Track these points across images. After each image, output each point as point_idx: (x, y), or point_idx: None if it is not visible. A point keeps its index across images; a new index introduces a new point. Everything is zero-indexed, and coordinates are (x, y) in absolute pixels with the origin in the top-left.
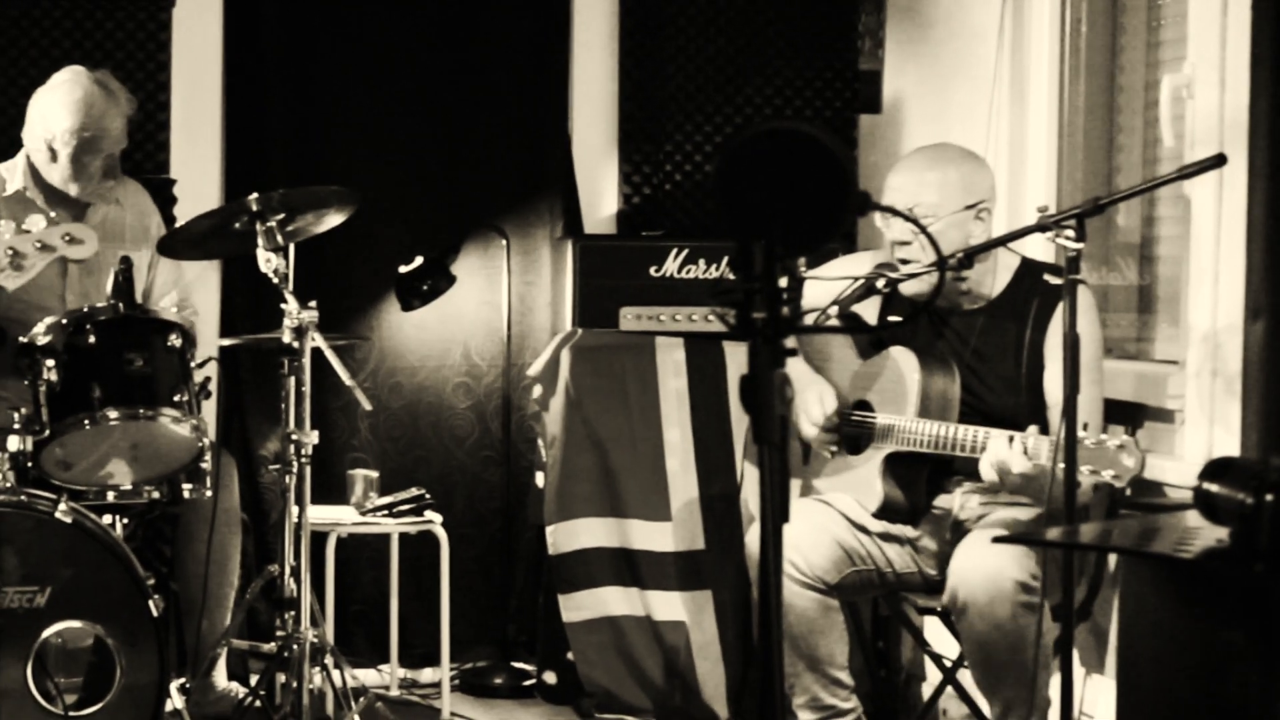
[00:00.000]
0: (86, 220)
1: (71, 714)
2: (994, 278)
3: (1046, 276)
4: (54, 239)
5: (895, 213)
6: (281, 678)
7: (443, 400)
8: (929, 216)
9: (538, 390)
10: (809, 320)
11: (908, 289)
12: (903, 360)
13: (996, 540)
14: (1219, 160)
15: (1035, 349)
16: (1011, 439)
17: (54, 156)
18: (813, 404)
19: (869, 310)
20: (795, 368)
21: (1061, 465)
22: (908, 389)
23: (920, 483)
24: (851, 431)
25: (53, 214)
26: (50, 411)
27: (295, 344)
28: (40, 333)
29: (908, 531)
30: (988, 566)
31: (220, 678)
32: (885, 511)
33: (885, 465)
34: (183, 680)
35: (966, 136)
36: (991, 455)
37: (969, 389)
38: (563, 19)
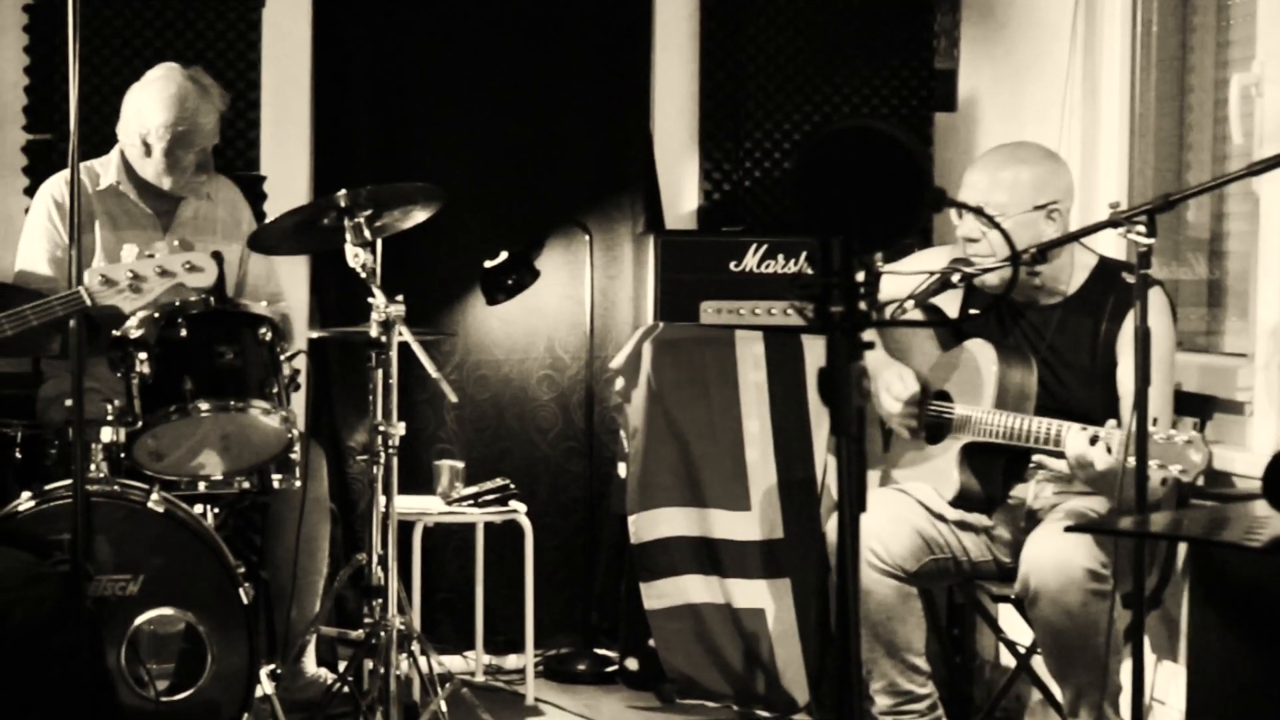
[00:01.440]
0: (179, 215)
1: (163, 699)
2: (1070, 274)
3: (1123, 275)
4: (174, 265)
5: (968, 209)
6: (369, 664)
7: (527, 392)
8: (998, 215)
9: (620, 383)
10: (886, 314)
11: (982, 283)
12: (981, 353)
13: (1069, 529)
14: None
15: (1109, 344)
16: (1095, 439)
17: (148, 151)
18: (894, 380)
19: (950, 304)
20: (874, 354)
21: (1130, 458)
22: (985, 381)
23: (996, 473)
24: (930, 420)
25: (176, 241)
26: (143, 403)
27: (383, 337)
28: (133, 326)
29: (983, 520)
30: (1059, 555)
31: (309, 664)
32: (961, 501)
33: (962, 455)
34: (272, 666)
35: (1040, 134)
36: (1072, 450)
37: (1045, 382)
38: (644, 19)
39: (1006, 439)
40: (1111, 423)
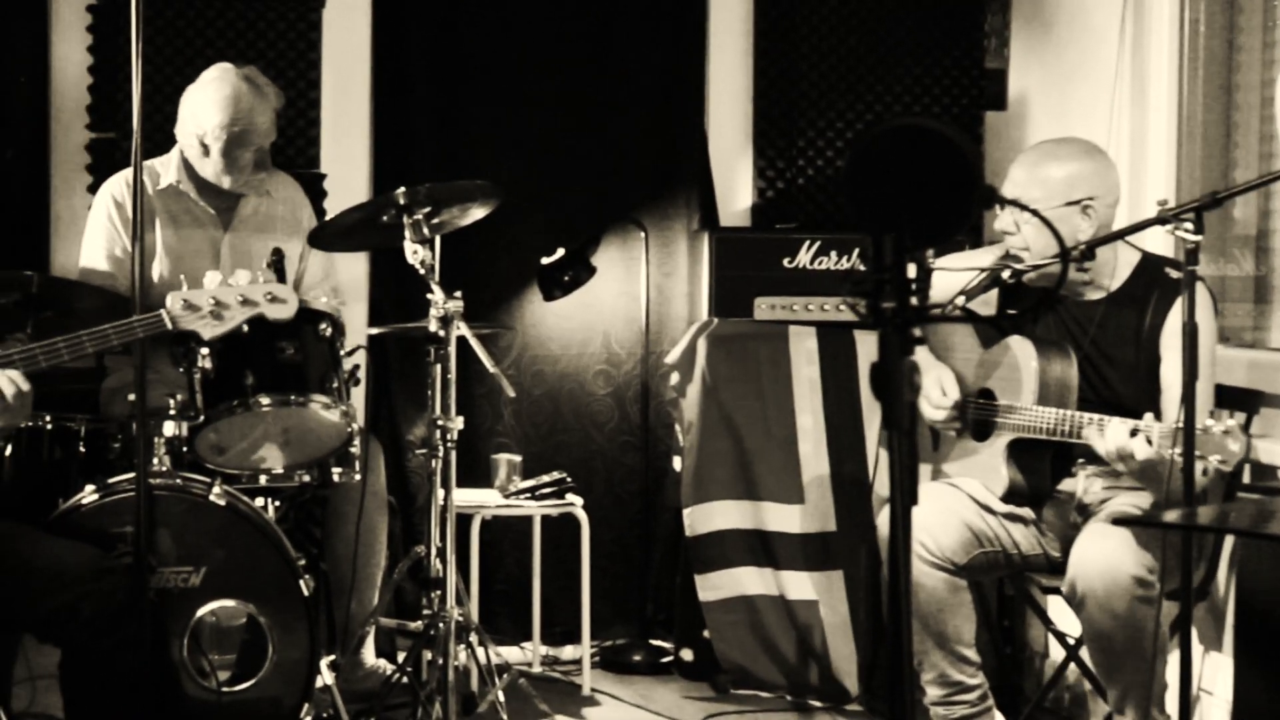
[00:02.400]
0: (238, 211)
1: (225, 690)
2: (1114, 270)
3: (1167, 270)
4: (256, 295)
5: (1018, 206)
6: (428, 655)
7: (583, 387)
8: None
9: (675, 377)
10: (937, 310)
11: (1032, 279)
12: (1021, 349)
13: (1116, 522)
14: None
15: (1153, 338)
16: (1134, 431)
17: (205, 151)
18: (932, 387)
19: (988, 302)
20: (918, 354)
21: (1171, 450)
22: (1026, 377)
23: (1044, 467)
24: (975, 418)
25: (260, 274)
26: (205, 398)
27: (441, 333)
28: None
29: (1032, 513)
30: (1106, 561)
31: (369, 655)
32: (1010, 496)
33: (1009, 451)
34: (332, 657)
35: (1088, 133)
36: (1113, 442)
37: (1088, 377)
38: (699, 19)
39: (1050, 434)
40: (1149, 416)
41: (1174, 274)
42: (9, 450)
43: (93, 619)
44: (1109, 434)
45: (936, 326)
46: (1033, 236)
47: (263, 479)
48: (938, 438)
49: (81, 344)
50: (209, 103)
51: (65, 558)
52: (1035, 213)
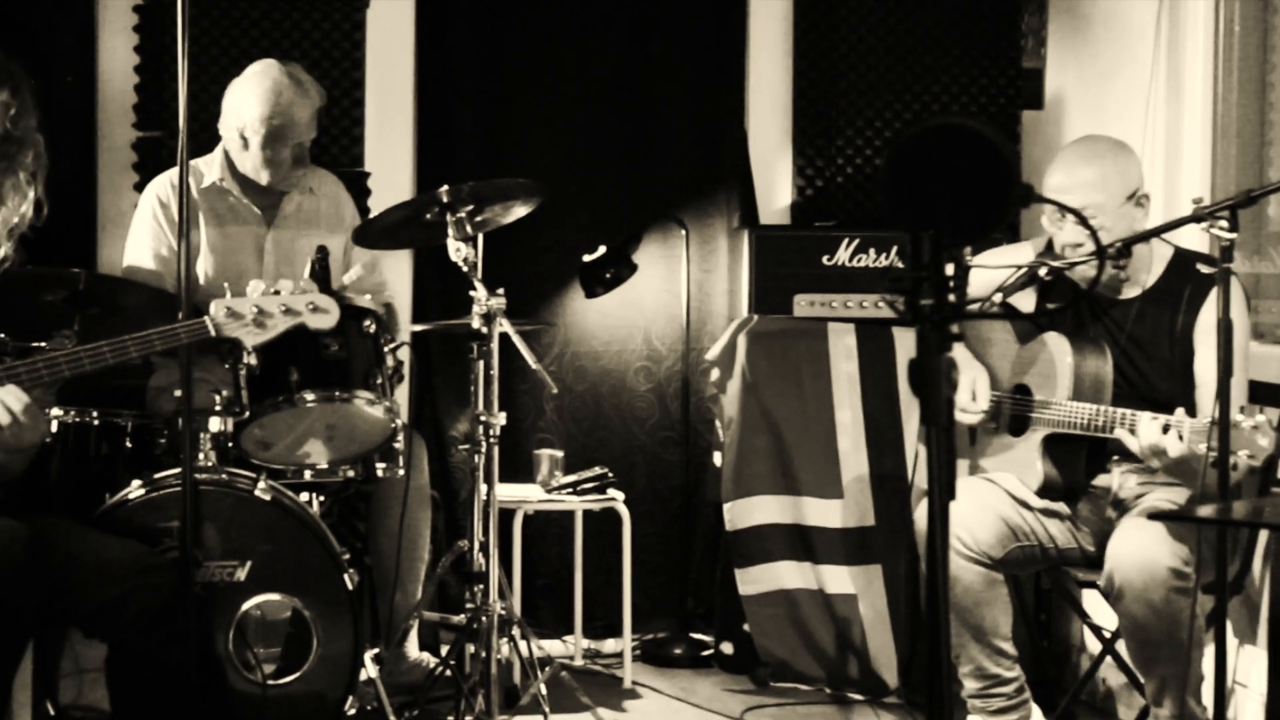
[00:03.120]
0: (282, 209)
1: (270, 683)
2: (1149, 266)
3: (1199, 266)
4: (299, 305)
5: (1055, 204)
6: (471, 648)
7: (624, 383)
8: (1096, 216)
9: (715, 373)
10: (974, 307)
11: (1076, 275)
12: (1056, 345)
13: (1153, 517)
14: None
15: (1186, 334)
16: (1167, 427)
17: (245, 145)
18: (963, 391)
19: (1026, 298)
20: (955, 352)
21: (1203, 445)
22: (1061, 372)
23: (1079, 462)
24: (1012, 413)
25: (303, 282)
26: (250, 394)
27: (484, 329)
28: None
29: (1067, 508)
30: (1143, 553)
31: (412, 648)
32: (1046, 490)
33: (1044, 446)
34: (377, 650)
35: (1124, 131)
36: (1145, 439)
37: (1124, 373)
38: (739, 20)
39: (1084, 429)
40: (1180, 411)
41: (1205, 269)
42: (56, 446)
43: (139, 614)
44: (1141, 431)
45: (973, 323)
46: (1070, 233)
47: (307, 474)
48: (974, 433)
49: (126, 348)
50: (250, 96)
51: (113, 554)
52: (1073, 211)
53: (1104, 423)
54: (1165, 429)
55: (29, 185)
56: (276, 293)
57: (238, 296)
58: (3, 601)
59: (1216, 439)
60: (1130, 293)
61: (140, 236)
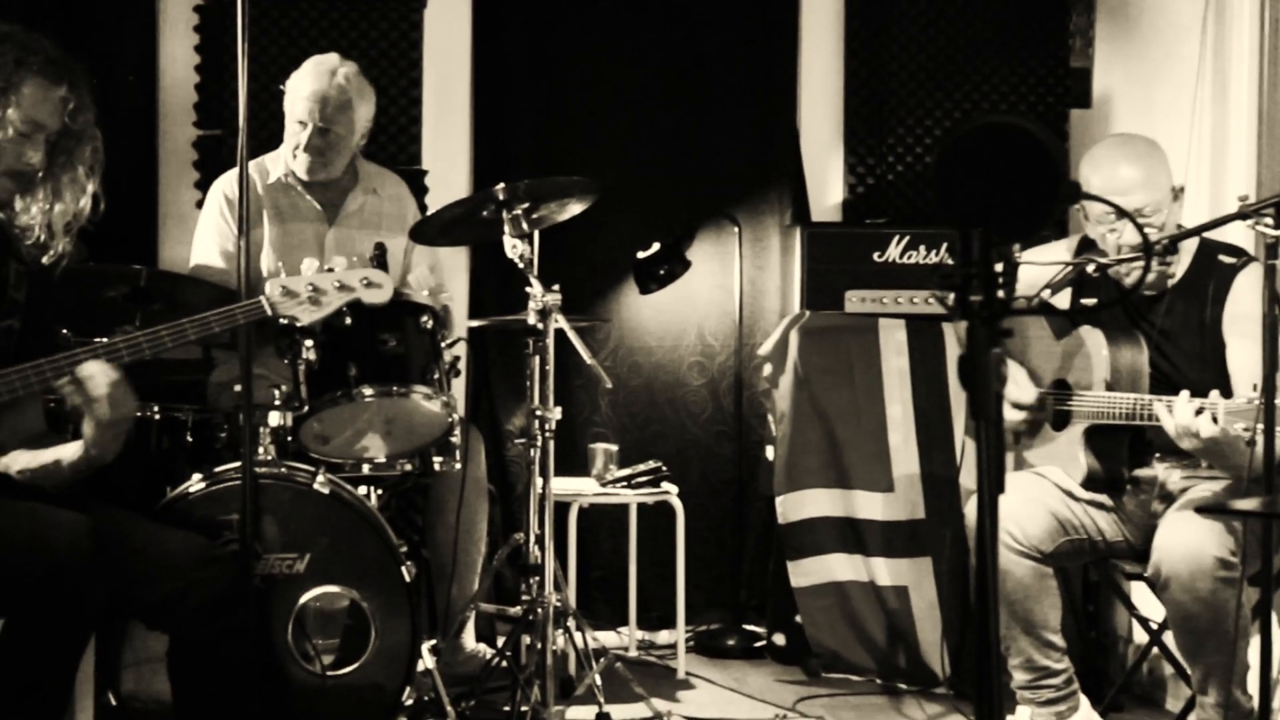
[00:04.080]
0: (344, 206)
1: (329, 674)
2: (1177, 260)
3: (1221, 257)
4: (353, 280)
5: (1102, 202)
6: (526, 639)
7: (678, 378)
8: (1151, 215)
9: (768, 369)
10: (1019, 304)
11: (1117, 274)
12: (1091, 338)
13: (1199, 510)
14: None
15: (1215, 326)
16: (1200, 410)
17: (297, 131)
18: (1012, 385)
19: (1062, 295)
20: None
21: (1240, 425)
22: (1097, 364)
23: (1121, 453)
24: (1054, 408)
25: (354, 257)
26: (309, 389)
27: (540, 325)
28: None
29: (1111, 500)
30: (1189, 544)
31: (469, 639)
32: (1090, 482)
33: (1086, 438)
34: (434, 642)
35: (1171, 129)
36: (1179, 420)
37: (1157, 365)
38: (791, 19)
39: (1124, 419)
40: (1215, 393)
41: (1227, 260)
42: None
43: (200, 607)
44: (1176, 411)
45: (1014, 320)
46: (1131, 233)
47: (366, 468)
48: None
49: (184, 331)
50: (305, 89)
51: (174, 547)
52: (1119, 209)
53: (1143, 410)
54: (1199, 411)
55: (88, 179)
56: (331, 270)
57: (292, 275)
58: (69, 592)
59: (1256, 425)
60: (1160, 287)
61: (207, 233)
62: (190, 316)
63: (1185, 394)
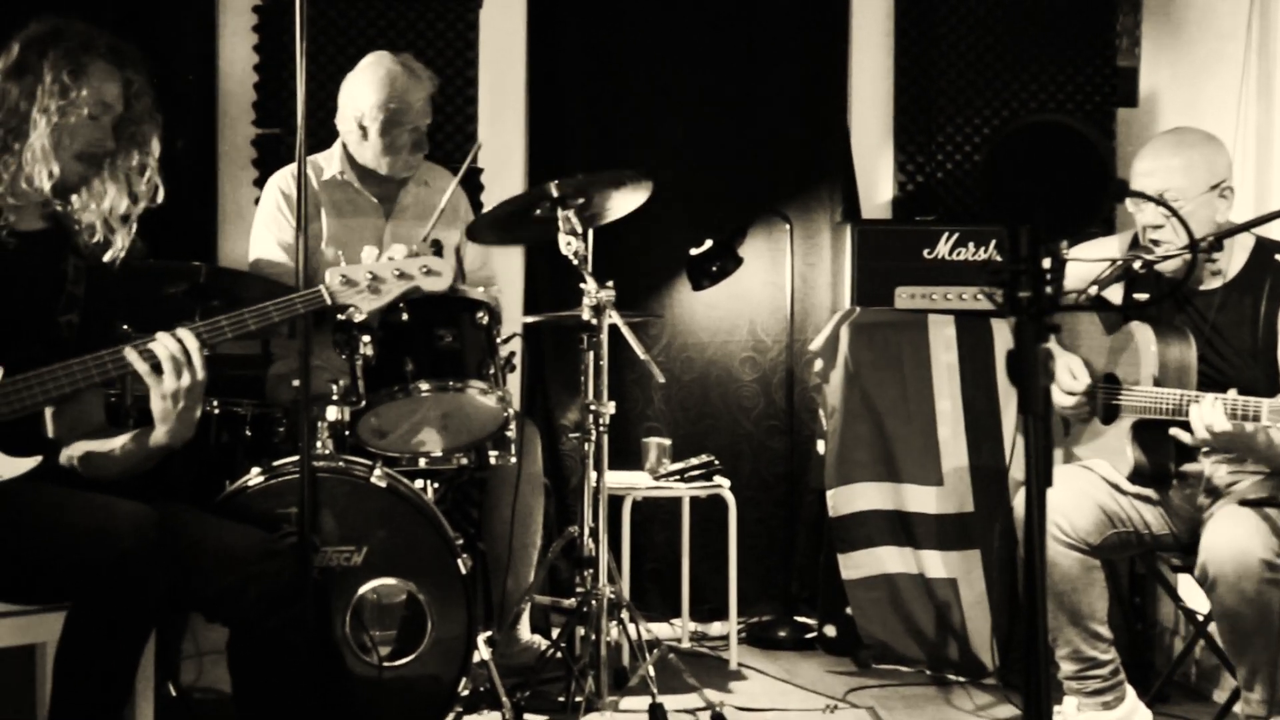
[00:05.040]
0: (399, 201)
1: (386, 665)
2: (1231, 257)
3: (1277, 256)
4: (412, 268)
5: (1150, 199)
6: (581, 631)
7: (730, 373)
8: (1178, 200)
9: (819, 364)
10: (1069, 300)
11: (1163, 269)
12: (1141, 334)
13: (1242, 503)
14: None
15: (1270, 323)
16: (1221, 404)
17: (364, 134)
18: (1063, 373)
19: (1115, 291)
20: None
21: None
22: (1146, 360)
23: (1167, 448)
24: (1102, 401)
25: (415, 246)
26: (366, 384)
27: (594, 321)
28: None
29: (1157, 494)
30: (1235, 544)
31: (524, 631)
32: (1136, 476)
33: (1133, 432)
34: (489, 633)
35: (1216, 128)
36: (1198, 413)
37: (1209, 361)
38: (842, 20)
39: (1169, 414)
40: (1233, 390)
41: None
42: None
43: (259, 599)
44: (1200, 408)
45: (1065, 315)
46: (1179, 227)
47: (422, 461)
48: (1068, 423)
49: (244, 321)
50: (364, 85)
51: (234, 540)
52: (1165, 204)
53: (1187, 405)
54: (1223, 407)
55: (148, 164)
56: (391, 259)
57: (352, 264)
58: (132, 581)
59: None
60: (1213, 283)
61: (265, 229)
62: (250, 307)
63: (1210, 396)
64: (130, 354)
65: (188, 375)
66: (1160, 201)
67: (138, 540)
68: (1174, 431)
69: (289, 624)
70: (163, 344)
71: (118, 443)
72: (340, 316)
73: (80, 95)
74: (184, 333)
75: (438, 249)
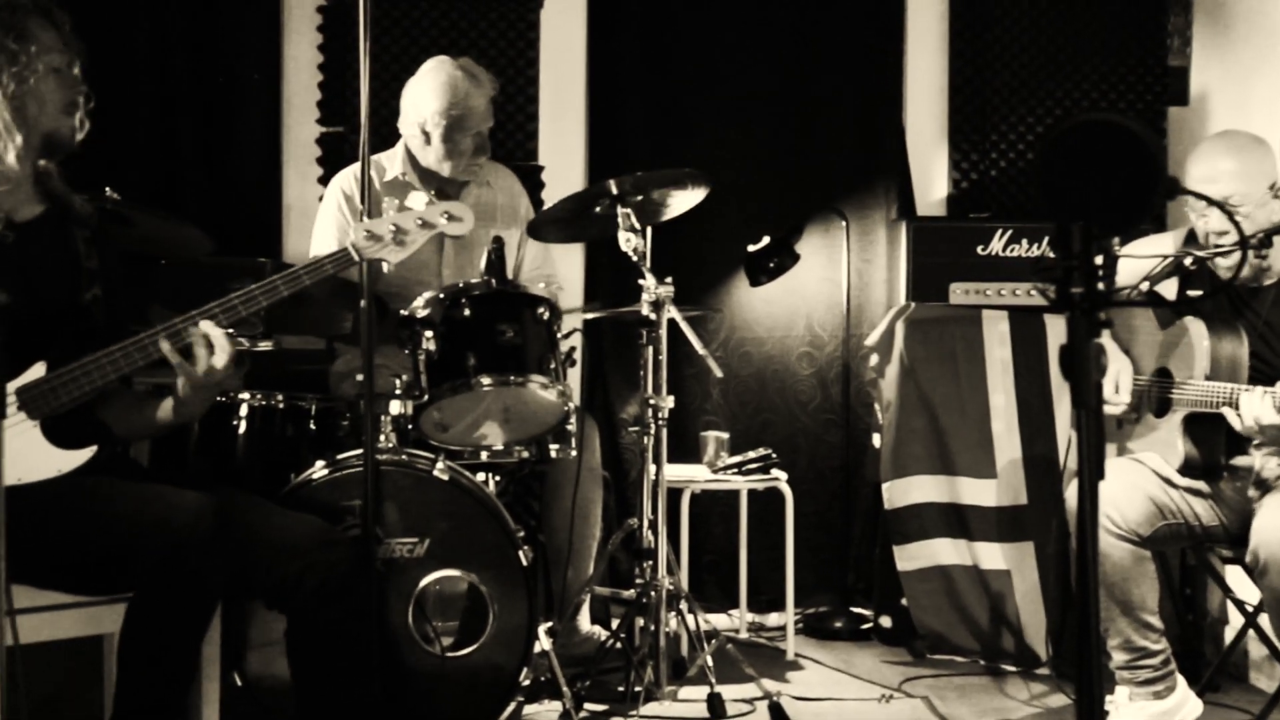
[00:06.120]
0: (461, 200)
1: (448, 655)
2: None
3: None
4: (434, 216)
5: (1199, 197)
6: (640, 622)
7: (787, 368)
8: (1242, 205)
9: (874, 359)
10: (1122, 295)
11: (1215, 267)
12: (1194, 329)
13: None
14: None
15: None
16: (1267, 395)
17: (427, 139)
18: (1108, 383)
19: (1169, 287)
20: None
21: None
22: (1198, 354)
23: (1218, 441)
24: (1155, 395)
25: (432, 192)
26: (429, 378)
27: (653, 316)
28: (419, 306)
29: (1208, 486)
30: None
31: (584, 622)
32: (1187, 469)
33: (1185, 426)
34: (550, 624)
35: (1267, 127)
36: (1244, 407)
37: (1261, 357)
38: (897, 19)
39: (1221, 408)
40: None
41: None
42: (243, 427)
43: (318, 588)
44: (1243, 400)
45: (1120, 310)
46: (1217, 220)
47: (484, 455)
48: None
49: (276, 287)
50: (427, 91)
51: (293, 529)
52: (1217, 203)
53: (1234, 399)
54: (1268, 399)
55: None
56: (410, 209)
57: (374, 219)
58: (192, 571)
59: None
60: (1267, 280)
61: (326, 227)
62: (317, 319)
63: (1260, 389)
64: (164, 344)
65: (220, 358)
66: (1214, 201)
67: (197, 530)
68: (1225, 410)
69: (347, 613)
70: (196, 332)
71: (142, 414)
72: (403, 312)
73: (32, 55)
74: (207, 324)
75: (499, 245)
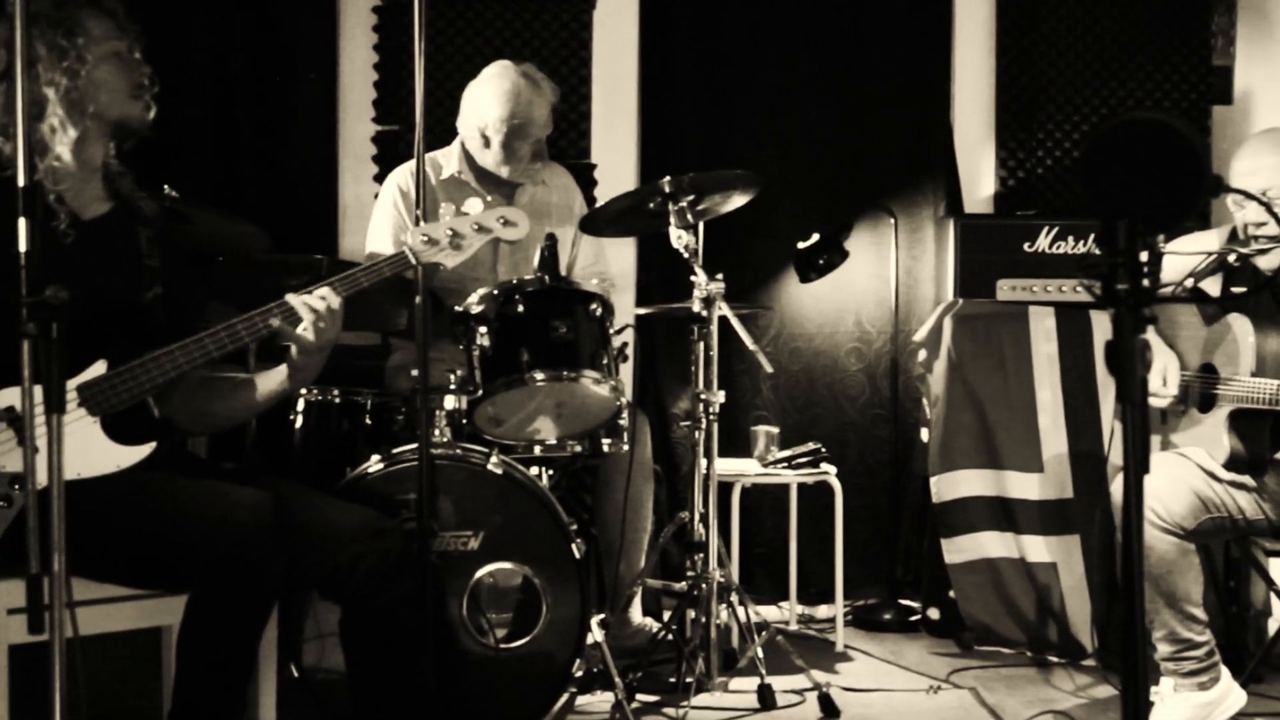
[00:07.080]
0: (515, 200)
1: (502, 647)
2: None
3: None
4: (490, 221)
5: (1244, 194)
6: (691, 614)
7: (837, 363)
8: (1277, 196)
9: (922, 354)
10: (1166, 292)
11: (1262, 263)
12: (1239, 325)
13: None
14: None
15: None
16: None
17: (486, 144)
18: (1155, 377)
19: (1213, 283)
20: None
21: None
22: (1244, 350)
23: (1263, 436)
24: (1200, 391)
25: (489, 198)
26: (483, 374)
27: (704, 313)
28: (474, 302)
29: (1253, 480)
30: None
31: (636, 613)
32: (1232, 464)
33: (1230, 421)
34: (602, 616)
35: None
36: None
37: None
38: (945, 19)
39: (1267, 404)
40: None
41: None
42: (300, 422)
43: (370, 577)
44: None
45: (1164, 307)
46: (1255, 211)
47: (537, 449)
48: (1165, 412)
49: (333, 289)
50: (490, 97)
51: (343, 519)
52: (1259, 199)
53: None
54: None
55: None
56: (467, 214)
57: (430, 223)
58: (251, 567)
59: None
60: None
61: (382, 223)
62: (371, 315)
63: None
64: (274, 321)
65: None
66: (1256, 198)
67: (257, 528)
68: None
69: (399, 602)
70: (307, 300)
71: (238, 398)
72: (458, 308)
73: (81, 47)
74: (326, 290)
75: (553, 243)
